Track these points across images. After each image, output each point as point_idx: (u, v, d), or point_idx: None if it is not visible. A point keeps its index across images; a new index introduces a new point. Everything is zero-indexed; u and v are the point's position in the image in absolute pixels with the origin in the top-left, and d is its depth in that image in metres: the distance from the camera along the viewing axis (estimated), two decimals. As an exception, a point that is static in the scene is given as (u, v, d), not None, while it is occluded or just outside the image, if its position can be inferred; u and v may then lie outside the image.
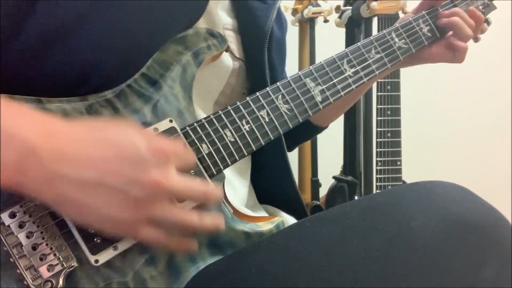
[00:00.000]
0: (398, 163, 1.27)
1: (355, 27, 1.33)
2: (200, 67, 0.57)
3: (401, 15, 1.23)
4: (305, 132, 0.85)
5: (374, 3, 1.21)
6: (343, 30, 1.38)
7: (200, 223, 0.46)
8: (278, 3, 0.71)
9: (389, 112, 1.24)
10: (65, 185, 0.40)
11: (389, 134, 1.25)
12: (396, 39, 0.71)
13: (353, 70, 0.66)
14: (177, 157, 0.45)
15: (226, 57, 0.65)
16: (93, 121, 0.45)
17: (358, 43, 0.68)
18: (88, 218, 0.42)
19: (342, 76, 0.65)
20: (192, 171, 0.52)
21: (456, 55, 0.75)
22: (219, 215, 0.51)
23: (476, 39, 0.85)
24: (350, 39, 1.35)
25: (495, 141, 1.90)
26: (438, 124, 1.87)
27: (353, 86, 0.65)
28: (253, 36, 0.68)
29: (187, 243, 0.48)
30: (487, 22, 0.84)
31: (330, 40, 1.40)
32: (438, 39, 0.75)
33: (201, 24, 0.60)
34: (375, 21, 1.29)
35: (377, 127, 1.25)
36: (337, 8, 1.36)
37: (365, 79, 0.66)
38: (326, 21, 1.44)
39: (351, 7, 1.32)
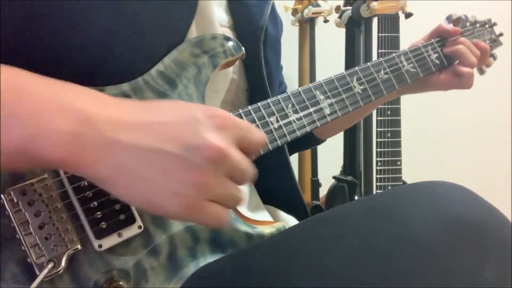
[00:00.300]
0: (398, 163, 1.27)
1: (355, 27, 1.33)
2: (215, 71, 0.58)
3: (401, 15, 1.23)
4: (305, 142, 0.85)
5: (374, 3, 1.21)
6: (343, 30, 1.38)
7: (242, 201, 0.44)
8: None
9: (389, 112, 1.25)
10: (122, 153, 0.38)
11: (389, 134, 1.25)
12: (405, 63, 0.74)
13: (362, 87, 0.68)
14: (238, 127, 0.43)
15: None
16: (153, 100, 0.44)
17: (368, 63, 0.70)
18: (145, 194, 0.39)
19: (351, 93, 0.67)
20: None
21: (462, 80, 0.79)
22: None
23: (481, 72, 0.88)
24: (350, 39, 1.35)
25: (495, 141, 1.90)
26: (438, 124, 1.87)
27: (361, 103, 0.67)
28: (249, 32, 0.69)
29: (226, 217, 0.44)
30: (493, 57, 0.87)
31: (330, 40, 1.40)
32: (446, 67, 0.80)
33: (197, 19, 0.60)
34: (375, 21, 1.29)
35: (377, 127, 1.25)
36: (337, 8, 1.36)
37: (373, 98, 0.68)
38: (326, 21, 1.44)
39: (351, 7, 1.32)
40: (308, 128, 0.62)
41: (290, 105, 0.61)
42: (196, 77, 0.57)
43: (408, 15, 1.22)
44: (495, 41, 0.87)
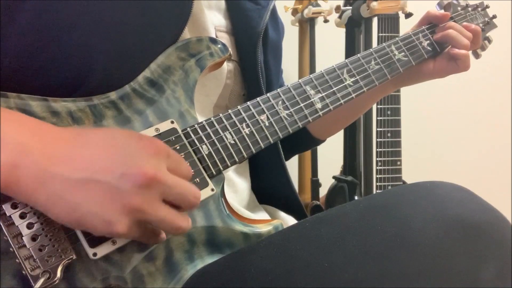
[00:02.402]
0: (398, 163, 1.27)
1: (355, 27, 1.33)
2: (202, 73, 0.58)
3: (401, 15, 1.23)
4: (304, 143, 0.85)
5: (374, 3, 1.21)
6: (343, 30, 1.38)
7: (182, 226, 0.45)
8: (271, 4, 0.72)
9: (389, 112, 1.24)
10: (57, 184, 0.40)
11: (389, 134, 1.25)
12: (396, 52, 0.72)
13: (353, 79, 0.67)
14: (169, 156, 0.44)
15: None
16: (82, 128, 0.46)
17: (358, 55, 0.69)
18: (79, 217, 0.41)
19: (342, 85, 0.66)
20: (192, 171, 0.52)
21: (459, 63, 0.75)
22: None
23: (477, 56, 0.87)
24: (350, 39, 1.35)
25: (495, 141, 1.90)
26: (438, 124, 1.87)
27: (353, 95, 0.67)
28: (246, 37, 0.68)
29: (161, 237, 0.47)
30: (488, 40, 0.86)
31: (330, 40, 1.40)
32: (439, 54, 0.77)
33: (189, 24, 0.60)
34: (375, 21, 1.29)
35: (377, 127, 1.25)
36: (337, 8, 1.36)
37: (364, 89, 0.68)
38: (326, 21, 1.44)
39: (351, 7, 1.32)
40: (300, 124, 0.61)
41: (280, 102, 0.60)
42: (184, 81, 0.57)
43: (408, 15, 1.22)
44: (489, 24, 0.85)
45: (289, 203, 0.73)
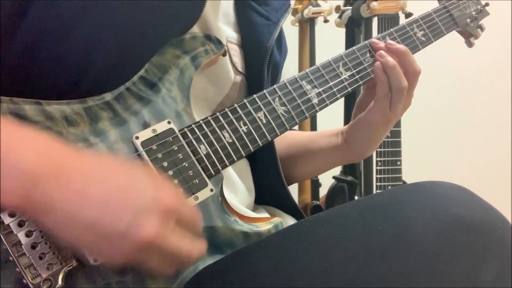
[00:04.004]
0: (398, 163, 1.27)
1: (355, 27, 1.33)
2: (198, 70, 0.58)
3: (401, 15, 1.23)
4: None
5: (374, 3, 1.21)
6: (343, 30, 1.37)
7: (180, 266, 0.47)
8: (282, 22, 0.71)
9: (389, 112, 1.24)
10: (63, 218, 0.39)
11: (389, 134, 1.25)
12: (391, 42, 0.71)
13: (349, 73, 0.67)
14: (180, 215, 0.44)
15: (228, 69, 0.65)
16: (105, 157, 0.45)
17: (353, 47, 0.69)
18: (78, 247, 0.44)
19: (338, 79, 0.66)
20: (190, 172, 0.52)
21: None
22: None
23: (469, 44, 0.86)
24: (350, 39, 1.35)
25: (495, 141, 1.90)
26: (438, 124, 1.87)
27: (349, 89, 0.66)
28: (255, 51, 0.68)
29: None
30: (481, 28, 0.85)
31: (330, 40, 1.40)
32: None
33: (196, 30, 0.60)
34: (375, 21, 1.29)
35: (377, 127, 1.25)
36: (337, 8, 1.36)
37: (360, 82, 0.67)
38: (326, 21, 1.44)
39: (351, 7, 1.32)
40: (297, 120, 0.61)
41: (277, 99, 0.60)
42: (179, 80, 0.56)
43: (408, 15, 1.22)
44: (481, 12, 0.84)
45: (284, 205, 0.73)
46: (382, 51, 0.66)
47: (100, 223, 0.39)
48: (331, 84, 0.65)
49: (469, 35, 0.85)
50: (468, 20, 0.82)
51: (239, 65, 0.68)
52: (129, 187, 0.42)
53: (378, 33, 1.22)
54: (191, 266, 0.51)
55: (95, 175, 0.41)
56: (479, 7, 0.84)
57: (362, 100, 0.72)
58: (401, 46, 0.67)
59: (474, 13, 0.82)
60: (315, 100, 0.63)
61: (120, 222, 0.40)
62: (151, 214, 0.41)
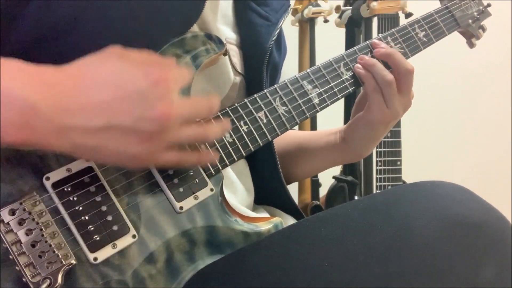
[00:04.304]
0: (398, 163, 1.27)
1: (355, 27, 1.33)
2: (199, 70, 0.57)
3: (401, 15, 1.23)
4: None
5: (374, 3, 1.21)
6: (343, 30, 1.37)
7: (212, 133, 0.49)
8: (281, 23, 0.71)
9: (389, 112, 1.24)
10: (77, 135, 0.40)
11: (389, 134, 1.25)
12: (392, 44, 0.71)
13: (350, 73, 0.67)
14: (176, 82, 0.45)
15: (228, 69, 0.65)
16: (84, 63, 0.43)
17: (355, 47, 0.68)
18: (109, 159, 0.44)
19: (339, 80, 0.66)
20: (191, 171, 0.52)
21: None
22: (222, 121, 0.54)
23: (471, 45, 0.86)
24: (350, 39, 1.34)
25: (495, 141, 1.90)
26: (438, 124, 1.87)
27: (350, 89, 0.66)
28: (254, 52, 0.68)
29: (207, 155, 0.51)
30: (482, 28, 0.85)
31: (330, 40, 1.40)
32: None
33: (196, 30, 0.60)
34: (375, 21, 1.29)
35: (377, 127, 1.25)
36: (337, 8, 1.36)
37: (361, 83, 0.67)
38: (326, 21, 1.43)
39: (351, 7, 1.32)
40: (298, 120, 0.61)
41: (278, 98, 0.60)
42: None
43: (408, 15, 1.22)
44: (483, 12, 0.84)
45: (283, 205, 0.73)
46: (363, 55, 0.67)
47: (114, 122, 0.41)
48: (332, 84, 0.65)
49: (471, 35, 0.85)
50: (470, 20, 0.82)
51: (238, 66, 0.68)
52: (121, 81, 0.42)
53: (378, 33, 1.22)
54: (191, 265, 0.51)
55: (86, 83, 0.42)
56: (481, 7, 0.84)
57: (361, 99, 0.72)
58: (385, 50, 0.67)
59: (476, 13, 0.82)
60: (316, 100, 0.63)
61: (131, 113, 0.41)
62: (153, 93, 0.42)
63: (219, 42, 0.59)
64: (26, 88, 0.39)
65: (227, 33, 0.67)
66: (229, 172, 0.65)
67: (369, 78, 0.65)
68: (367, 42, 0.69)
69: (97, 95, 0.41)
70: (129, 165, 0.46)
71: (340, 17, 1.37)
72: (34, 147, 0.41)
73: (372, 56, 0.68)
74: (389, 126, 0.68)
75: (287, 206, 0.73)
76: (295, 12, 1.50)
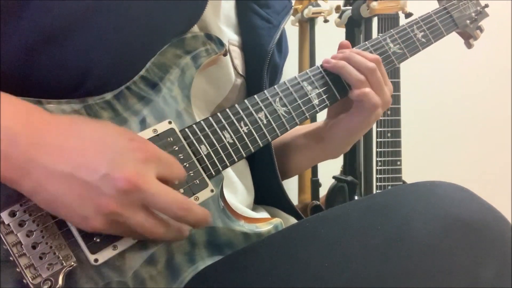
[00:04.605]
0: (398, 163, 1.27)
1: (355, 27, 1.33)
2: (199, 70, 0.57)
3: (401, 15, 1.23)
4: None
5: (374, 3, 1.21)
6: (343, 30, 1.38)
7: (162, 236, 0.44)
8: (283, 25, 0.70)
9: (389, 112, 1.24)
10: (41, 175, 0.40)
11: (389, 134, 1.25)
12: (391, 44, 0.72)
13: None
14: (160, 162, 0.44)
15: (228, 71, 0.65)
16: (78, 117, 0.45)
17: (353, 48, 0.68)
18: (61, 211, 0.42)
19: (339, 80, 0.66)
20: (191, 172, 0.52)
21: (363, 104, 0.65)
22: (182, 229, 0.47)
23: (469, 45, 0.86)
24: (350, 39, 1.34)
25: (495, 141, 1.90)
26: (438, 124, 1.87)
27: (349, 90, 0.66)
28: (255, 54, 0.68)
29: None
30: (480, 29, 0.85)
31: (330, 40, 1.40)
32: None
33: (196, 30, 0.60)
34: (375, 21, 1.29)
35: (377, 127, 1.25)
36: (337, 8, 1.36)
37: None
38: (326, 21, 1.44)
39: (351, 7, 1.32)
40: (297, 121, 0.61)
41: (277, 99, 0.60)
42: (180, 79, 0.56)
43: (408, 15, 1.22)
44: (481, 13, 0.84)
45: (282, 205, 0.73)
46: (327, 61, 0.66)
47: (78, 173, 0.40)
48: (331, 85, 0.65)
49: (469, 36, 0.85)
50: (468, 21, 0.82)
51: (240, 68, 0.68)
52: (104, 138, 0.42)
53: (378, 33, 1.22)
54: (191, 266, 0.51)
55: (69, 131, 0.42)
56: (478, 8, 0.84)
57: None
58: (333, 64, 0.65)
59: (473, 14, 0.82)
60: (316, 101, 0.63)
61: (98, 169, 0.40)
62: (129, 159, 0.41)
63: (219, 42, 0.59)
64: (12, 120, 0.41)
65: (230, 34, 0.67)
66: (229, 172, 0.65)
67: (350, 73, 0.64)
68: (366, 42, 0.69)
69: (74, 142, 0.41)
70: (74, 223, 0.43)
71: (340, 17, 1.37)
72: (4, 181, 0.41)
73: (381, 54, 0.68)
74: (365, 129, 0.68)
75: (285, 206, 0.73)
76: (295, 12, 1.50)
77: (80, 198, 0.40)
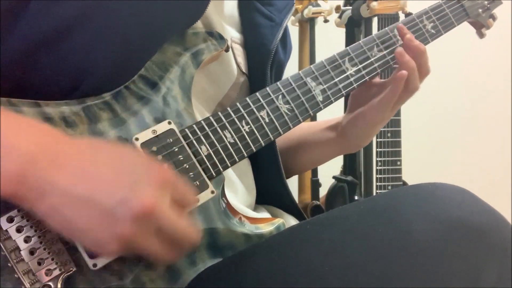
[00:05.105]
0: (398, 163, 1.27)
1: (355, 27, 1.33)
2: (199, 68, 0.57)
3: (401, 15, 1.23)
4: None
5: (374, 3, 1.20)
6: (343, 30, 1.37)
7: (174, 259, 0.46)
8: (285, 23, 0.70)
9: (389, 112, 1.24)
10: (58, 197, 0.40)
11: (389, 134, 1.25)
12: (399, 37, 0.69)
13: (355, 68, 0.65)
14: (176, 189, 0.44)
15: (229, 68, 0.65)
16: (97, 141, 0.45)
17: (360, 41, 0.67)
18: (76, 234, 0.42)
19: (344, 75, 0.64)
20: (191, 173, 0.52)
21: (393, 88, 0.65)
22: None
23: (481, 35, 0.83)
24: (350, 39, 1.34)
25: (495, 141, 1.90)
26: (438, 124, 1.87)
27: (355, 85, 0.65)
28: (257, 53, 0.67)
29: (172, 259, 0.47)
30: (493, 17, 0.82)
31: (330, 40, 1.40)
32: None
33: (200, 26, 0.59)
34: (375, 21, 1.29)
35: (377, 127, 1.25)
36: (337, 8, 1.36)
37: (366, 78, 0.66)
38: (326, 21, 1.43)
39: (351, 7, 1.32)
40: (301, 119, 0.60)
41: (280, 96, 0.59)
42: (180, 78, 0.55)
43: (408, 15, 1.22)
44: (494, 1, 0.79)
45: (284, 205, 0.72)
46: (401, 49, 0.65)
47: (95, 197, 0.40)
48: (336, 80, 0.63)
49: (481, 26, 0.81)
50: (480, 10, 0.78)
51: (243, 66, 0.67)
52: (122, 163, 0.42)
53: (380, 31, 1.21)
54: (192, 268, 0.51)
55: (88, 156, 0.42)
56: None
57: (359, 91, 0.70)
58: (422, 46, 0.66)
59: (486, 2, 0.78)
60: (320, 97, 0.61)
61: (115, 194, 0.40)
62: (146, 185, 0.41)
63: (220, 38, 0.58)
64: (31, 142, 0.40)
65: (232, 32, 0.67)
66: (228, 171, 0.65)
67: (401, 84, 0.64)
68: (373, 35, 0.67)
69: (92, 166, 0.41)
70: (88, 247, 0.44)
71: (340, 17, 1.37)
72: (20, 202, 0.41)
73: (379, 50, 0.67)
74: (387, 121, 0.70)
75: (288, 206, 0.73)
76: (295, 12, 1.49)
77: (95, 223, 0.40)
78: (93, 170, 0.41)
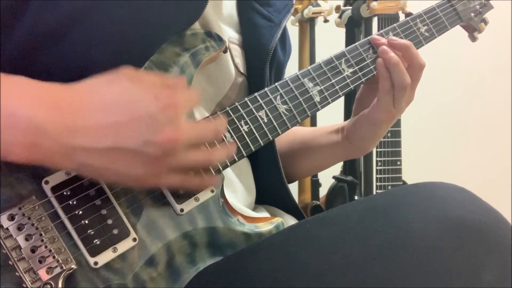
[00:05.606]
0: (398, 163, 1.27)
1: (355, 27, 1.33)
2: (198, 68, 0.57)
3: (401, 15, 1.23)
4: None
5: (374, 3, 1.21)
6: (343, 30, 1.37)
7: (216, 158, 0.49)
8: (284, 23, 0.70)
9: (389, 112, 1.24)
10: (83, 156, 0.41)
11: (389, 134, 1.25)
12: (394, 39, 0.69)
13: (351, 70, 0.66)
14: (185, 106, 0.45)
15: (228, 69, 0.65)
16: (94, 82, 0.44)
17: (356, 43, 0.68)
18: (114, 178, 0.45)
19: (340, 77, 0.65)
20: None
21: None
22: (228, 144, 0.54)
23: (473, 38, 0.84)
24: (350, 39, 1.35)
25: (495, 141, 1.90)
26: (438, 124, 1.87)
27: (352, 86, 0.66)
28: (256, 53, 0.67)
29: (210, 179, 0.51)
30: (484, 22, 0.84)
31: (330, 40, 1.40)
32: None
33: (197, 27, 0.59)
34: (375, 21, 1.29)
35: (377, 127, 1.25)
36: (337, 8, 1.36)
37: (363, 79, 0.66)
38: (326, 21, 1.43)
39: (351, 7, 1.32)
40: (299, 119, 0.60)
41: (278, 97, 0.59)
42: None
43: (408, 15, 1.22)
44: (485, 6, 0.81)
45: (284, 204, 0.73)
46: (384, 47, 0.66)
47: (120, 143, 0.41)
48: (333, 81, 0.64)
49: (473, 29, 0.83)
50: (472, 14, 0.80)
51: (241, 66, 0.67)
52: (130, 103, 0.42)
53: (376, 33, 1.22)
54: (192, 267, 0.51)
55: (94, 104, 0.42)
56: (483, 0, 0.81)
57: (362, 95, 0.71)
58: (404, 41, 0.66)
59: (478, 6, 0.80)
60: (317, 98, 0.62)
61: (138, 136, 0.41)
62: (162, 119, 0.42)
63: (218, 39, 0.59)
64: (31, 107, 0.39)
65: (230, 33, 0.67)
66: (227, 171, 0.65)
67: (387, 80, 0.64)
68: (369, 37, 0.68)
69: (105, 116, 0.41)
70: (133, 185, 0.47)
71: (340, 17, 1.37)
72: (40, 164, 0.41)
73: (375, 52, 0.67)
74: (392, 122, 0.69)
75: (288, 206, 0.73)
76: (295, 12, 1.49)
77: (129, 164, 0.42)
78: (106, 120, 0.41)
